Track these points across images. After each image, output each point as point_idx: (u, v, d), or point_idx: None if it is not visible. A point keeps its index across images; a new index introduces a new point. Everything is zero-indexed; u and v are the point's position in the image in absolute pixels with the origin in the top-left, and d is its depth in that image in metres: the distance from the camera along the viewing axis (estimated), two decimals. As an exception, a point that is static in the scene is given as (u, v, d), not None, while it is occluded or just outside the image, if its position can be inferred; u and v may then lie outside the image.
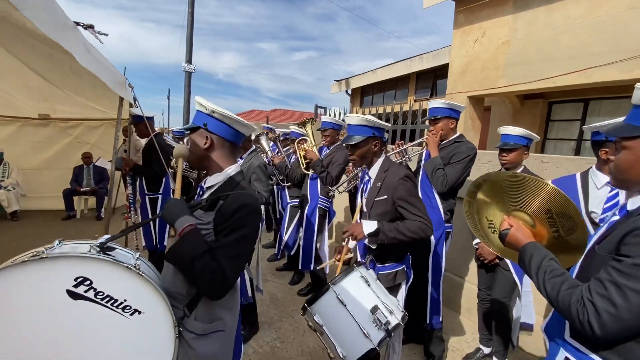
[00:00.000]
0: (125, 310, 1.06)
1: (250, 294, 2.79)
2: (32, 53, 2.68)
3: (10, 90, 4.53)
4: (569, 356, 0.98)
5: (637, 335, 0.85)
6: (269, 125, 5.31)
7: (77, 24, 1.42)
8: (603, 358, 0.90)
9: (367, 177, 1.98)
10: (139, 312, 1.08)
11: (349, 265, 1.83)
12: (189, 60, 9.25)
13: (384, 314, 1.55)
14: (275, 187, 4.57)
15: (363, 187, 2.02)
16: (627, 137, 0.95)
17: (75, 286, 1.02)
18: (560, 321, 1.04)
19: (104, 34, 1.74)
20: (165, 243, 3.74)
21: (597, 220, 1.91)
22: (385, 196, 1.82)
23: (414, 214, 1.74)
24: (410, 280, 2.04)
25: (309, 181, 3.51)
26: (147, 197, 3.58)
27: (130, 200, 3.74)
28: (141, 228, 3.68)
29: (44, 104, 5.12)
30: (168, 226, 3.67)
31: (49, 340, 1.01)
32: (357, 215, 2.01)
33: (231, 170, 1.30)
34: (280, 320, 3.10)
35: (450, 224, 2.52)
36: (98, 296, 1.03)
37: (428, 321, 2.47)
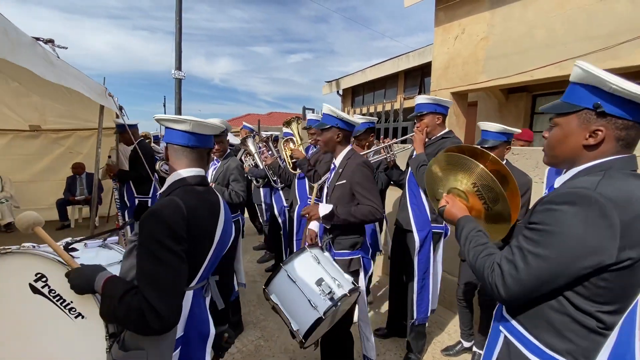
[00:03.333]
0: (71, 312, 1.13)
1: (237, 287, 2.85)
2: (14, 67, 2.75)
3: (-1, 103, 4.60)
4: (506, 333, 1.02)
5: (544, 299, 0.90)
6: (249, 126, 5.32)
7: (37, 39, 1.48)
8: (527, 330, 0.95)
9: (333, 166, 2.13)
10: (82, 317, 1.13)
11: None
12: (179, 67, 9.33)
13: (328, 285, 1.66)
14: (262, 189, 4.61)
15: (329, 174, 2.17)
16: (558, 114, 0.97)
17: (35, 281, 1.12)
18: None
19: (64, 47, 1.80)
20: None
21: None
22: (344, 181, 1.96)
23: (366, 198, 1.89)
24: (370, 271, 2.14)
25: (296, 181, 3.52)
26: (136, 200, 3.65)
27: (118, 206, 3.81)
28: (129, 231, 3.74)
29: (35, 115, 5.18)
30: None
31: (6, 326, 1.12)
32: (314, 197, 2.20)
33: (184, 172, 1.15)
34: (266, 319, 3.16)
35: (442, 225, 2.49)
36: (51, 293, 1.12)
37: (415, 317, 2.49)
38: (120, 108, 3.56)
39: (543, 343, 0.91)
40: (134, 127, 3.51)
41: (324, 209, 1.91)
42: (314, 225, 2.14)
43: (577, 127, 0.93)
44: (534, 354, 0.92)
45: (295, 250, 3.50)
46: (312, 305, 1.61)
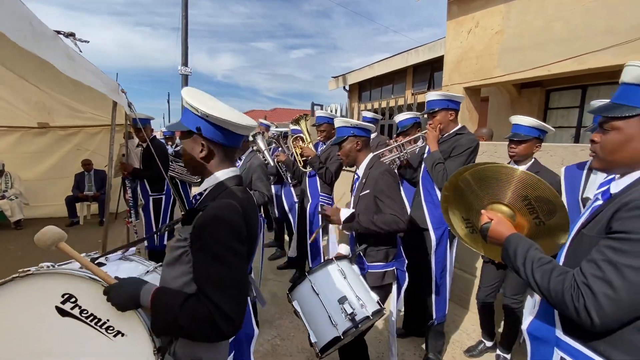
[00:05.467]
0: (109, 331, 1.03)
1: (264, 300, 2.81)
2: (27, 62, 2.71)
3: (8, 99, 4.57)
4: (565, 356, 0.91)
5: (634, 320, 0.79)
6: (265, 122, 5.27)
7: (58, 32, 1.43)
8: (600, 353, 0.84)
9: (356, 176, 2.07)
10: (122, 334, 1.03)
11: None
12: (185, 63, 9.27)
13: (350, 305, 1.61)
14: (272, 186, 4.57)
15: (352, 185, 2.11)
16: (616, 117, 0.90)
17: (63, 302, 1.02)
18: (549, 319, 0.98)
19: (85, 41, 1.75)
20: (165, 242, 3.77)
21: None
22: (368, 190, 1.92)
23: (389, 207, 1.84)
24: (405, 284, 2.06)
25: (307, 179, 3.49)
26: (151, 198, 3.63)
27: (131, 204, 3.78)
28: (143, 228, 3.72)
29: (43, 112, 5.16)
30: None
31: (39, 355, 1.02)
32: (337, 203, 2.09)
33: (221, 174, 1.13)
34: (281, 318, 3.13)
35: None
36: (83, 314, 1.02)
37: (435, 317, 2.45)
38: (129, 105, 3.52)
39: None
40: (147, 122, 3.48)
41: (345, 213, 1.87)
42: (343, 249, 2.05)
43: (639, 131, 0.87)
44: None
45: (308, 253, 3.50)
46: (332, 322, 1.57)
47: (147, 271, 1.27)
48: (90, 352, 1.04)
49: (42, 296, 1.02)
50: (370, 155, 2.04)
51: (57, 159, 6.19)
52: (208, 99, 1.13)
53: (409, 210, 3.16)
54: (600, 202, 0.97)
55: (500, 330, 2.56)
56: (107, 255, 1.28)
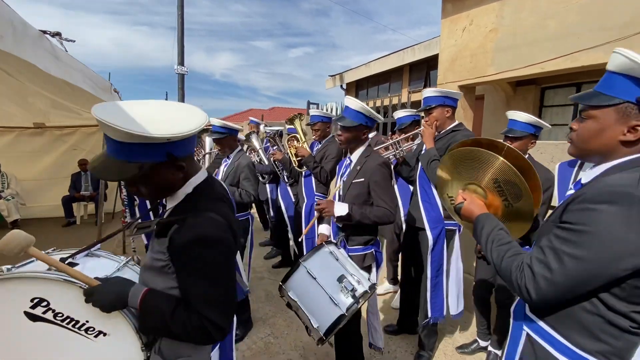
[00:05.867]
0: (89, 332, 0.99)
1: (247, 287, 2.81)
2: (19, 62, 2.70)
3: (3, 99, 4.58)
4: (530, 332, 0.99)
5: (577, 301, 0.86)
6: (255, 120, 5.23)
7: (44, 32, 1.43)
8: (551, 326, 0.92)
9: (348, 161, 2.10)
10: (104, 334, 1.00)
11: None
12: (181, 62, 9.27)
13: (350, 282, 1.67)
14: (267, 185, 4.58)
15: (343, 170, 2.14)
16: (593, 106, 0.91)
17: (33, 307, 0.96)
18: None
19: (71, 40, 1.75)
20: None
21: None
22: (363, 179, 1.95)
23: (382, 200, 1.90)
24: (381, 264, 2.15)
25: (303, 179, 3.48)
26: None
27: (126, 203, 3.78)
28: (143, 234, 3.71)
29: (39, 112, 5.16)
30: None
31: None
32: (332, 193, 2.15)
33: (193, 180, 1.05)
34: (275, 316, 3.14)
35: (454, 221, 2.42)
36: (57, 317, 0.97)
37: (429, 315, 2.44)
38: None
39: (573, 343, 0.88)
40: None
41: (340, 209, 1.91)
42: (324, 229, 2.16)
43: (615, 121, 0.88)
44: (563, 354, 0.90)
45: (304, 248, 3.50)
46: (334, 302, 1.61)
47: (118, 268, 1.22)
48: (71, 356, 1.00)
49: (8, 302, 0.96)
50: (367, 144, 2.08)
51: (54, 159, 6.20)
52: (147, 114, 0.92)
53: (400, 205, 3.18)
54: (572, 191, 1.00)
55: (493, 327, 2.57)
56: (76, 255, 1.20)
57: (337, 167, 2.29)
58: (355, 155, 2.05)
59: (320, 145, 3.46)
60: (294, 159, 3.51)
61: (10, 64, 2.77)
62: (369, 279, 1.79)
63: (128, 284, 1.00)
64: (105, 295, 0.96)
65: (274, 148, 4.10)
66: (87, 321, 0.99)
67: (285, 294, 1.75)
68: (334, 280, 1.68)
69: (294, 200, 3.84)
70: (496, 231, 1.05)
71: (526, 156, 2.21)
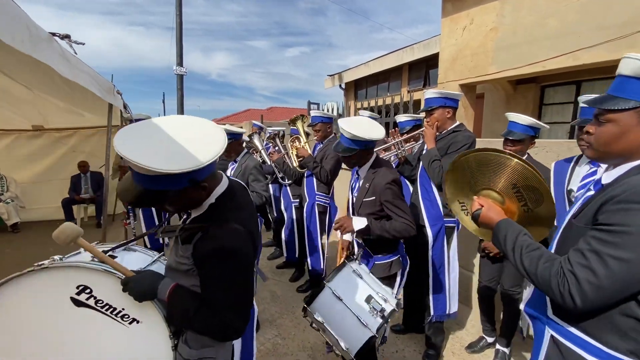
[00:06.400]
0: (124, 319, 1.09)
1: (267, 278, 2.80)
2: (18, 64, 2.68)
3: (1, 103, 4.54)
4: (554, 334, 0.97)
5: (618, 304, 0.85)
6: (258, 123, 5.26)
7: (53, 34, 1.42)
8: (584, 331, 0.91)
9: (356, 175, 2.06)
10: (137, 322, 1.09)
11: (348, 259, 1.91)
12: (180, 63, 9.23)
13: (378, 302, 1.63)
14: (270, 185, 4.57)
15: (352, 184, 2.10)
16: (612, 110, 0.91)
17: (78, 294, 1.07)
18: (541, 299, 1.03)
19: (81, 43, 1.74)
20: (167, 242, 3.76)
21: (573, 199, 1.92)
22: (373, 197, 1.91)
23: (399, 215, 1.85)
24: (407, 268, 2.11)
25: (305, 179, 3.50)
26: None
27: (128, 207, 3.76)
28: (142, 229, 3.70)
29: (37, 115, 5.12)
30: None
31: (55, 344, 1.08)
32: (344, 207, 2.12)
33: (215, 193, 1.10)
34: (281, 317, 3.14)
35: (454, 218, 2.46)
36: (98, 304, 1.07)
37: (432, 313, 2.46)
38: (125, 106, 3.51)
39: (604, 344, 0.87)
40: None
41: (359, 223, 1.86)
42: (347, 236, 2.07)
43: (636, 123, 0.89)
44: (594, 355, 0.89)
45: (307, 249, 3.50)
46: (362, 324, 1.56)
47: (153, 261, 1.35)
48: (106, 339, 1.09)
49: (57, 288, 1.06)
50: (373, 157, 2.00)
51: (53, 161, 6.15)
52: (169, 145, 0.95)
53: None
54: (592, 192, 0.99)
55: (500, 325, 2.58)
56: (115, 249, 1.34)
57: (350, 180, 2.20)
58: (363, 171, 2.00)
59: (322, 145, 3.47)
60: (295, 159, 3.52)
61: (7, 69, 2.75)
62: (393, 295, 1.76)
63: (159, 277, 1.09)
64: (139, 286, 1.05)
65: (275, 149, 4.11)
66: (123, 309, 1.08)
67: (311, 315, 1.69)
68: (361, 301, 1.63)
69: (292, 199, 3.86)
70: (522, 237, 1.02)
71: (525, 156, 2.24)
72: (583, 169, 1.92)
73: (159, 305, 1.09)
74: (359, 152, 1.91)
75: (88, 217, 6.35)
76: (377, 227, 1.85)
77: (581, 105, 1.96)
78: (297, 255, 3.89)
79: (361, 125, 1.89)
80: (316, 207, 3.40)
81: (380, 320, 1.59)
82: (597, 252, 0.83)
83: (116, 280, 1.07)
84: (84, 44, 1.76)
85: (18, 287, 1.04)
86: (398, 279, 2.04)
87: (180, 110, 9.82)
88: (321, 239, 3.47)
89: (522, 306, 1.13)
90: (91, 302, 1.07)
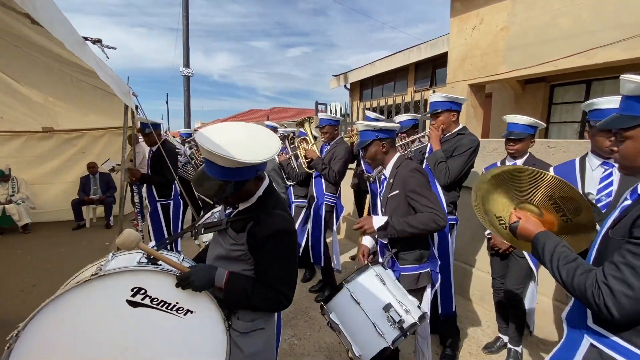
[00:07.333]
0: (179, 312, 1.19)
1: None
2: (32, 67, 2.70)
3: (13, 104, 4.57)
4: (594, 342, 0.98)
5: None
6: (272, 124, 5.28)
7: (85, 39, 1.43)
8: (627, 340, 0.91)
9: (383, 177, 2.01)
10: (191, 312, 1.20)
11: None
12: (187, 64, 9.26)
13: (397, 312, 1.53)
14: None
15: (380, 186, 2.05)
16: (627, 128, 0.96)
17: (133, 295, 1.14)
18: (581, 308, 1.05)
19: (113, 48, 1.75)
20: (179, 248, 3.78)
21: (593, 201, 1.92)
22: (397, 191, 1.84)
23: (424, 205, 1.74)
24: (437, 284, 1.99)
25: (313, 180, 3.52)
26: (158, 204, 3.62)
27: (137, 208, 3.78)
28: (152, 235, 3.72)
29: (47, 116, 5.16)
30: (180, 230, 3.71)
31: (119, 346, 1.14)
32: (366, 211, 2.06)
33: (262, 185, 1.31)
34: (296, 317, 3.14)
35: (454, 216, 2.54)
36: (154, 302, 1.16)
37: (440, 311, 2.49)
38: (137, 107, 3.52)
39: None
40: (157, 126, 3.47)
41: (378, 220, 1.76)
42: (366, 241, 2.00)
43: None
44: None
45: (311, 249, 3.51)
46: (378, 332, 1.48)
47: (182, 260, 1.43)
48: (166, 333, 1.17)
49: (112, 294, 1.12)
50: (397, 154, 1.95)
51: (62, 163, 6.20)
52: (241, 142, 1.19)
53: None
54: (629, 201, 1.02)
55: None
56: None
57: (374, 184, 2.13)
58: (387, 170, 1.94)
59: (329, 147, 3.51)
60: (304, 160, 3.55)
61: (17, 73, 2.76)
62: (419, 307, 1.64)
63: (213, 268, 1.23)
64: (199, 278, 1.18)
65: (283, 150, 4.14)
66: (177, 302, 1.18)
67: (327, 314, 1.64)
68: (379, 308, 1.54)
69: (293, 200, 3.89)
70: (560, 248, 1.04)
71: (527, 155, 2.30)
72: (597, 171, 1.91)
73: (209, 294, 1.22)
74: (374, 142, 1.89)
75: (97, 218, 6.39)
76: (399, 222, 1.73)
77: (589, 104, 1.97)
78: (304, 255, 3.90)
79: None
80: (324, 206, 3.43)
81: (398, 332, 1.50)
82: (631, 265, 0.85)
83: (169, 278, 1.17)
84: (115, 48, 1.77)
85: (76, 297, 1.09)
86: (427, 292, 1.92)
87: (187, 111, 9.85)
88: (326, 237, 3.50)
89: (563, 315, 1.13)
90: (147, 301, 1.15)
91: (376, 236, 1.85)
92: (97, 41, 1.62)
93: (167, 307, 1.17)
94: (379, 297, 1.58)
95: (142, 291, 1.14)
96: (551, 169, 2.11)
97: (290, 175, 3.72)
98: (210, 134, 1.14)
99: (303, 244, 3.81)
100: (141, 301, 1.14)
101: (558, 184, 1.17)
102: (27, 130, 5.64)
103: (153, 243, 1.32)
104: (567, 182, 1.16)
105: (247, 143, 1.17)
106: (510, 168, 1.30)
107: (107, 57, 1.69)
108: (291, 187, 3.96)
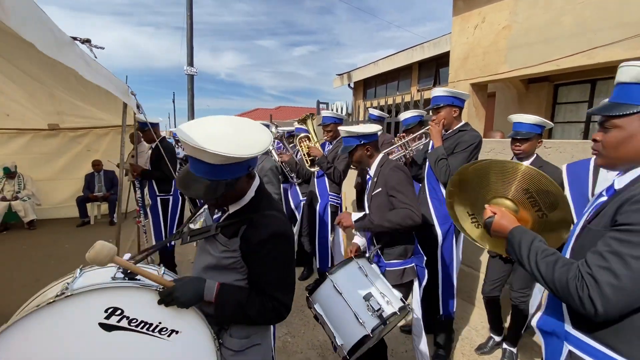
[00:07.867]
0: (163, 333, 1.04)
1: None
2: (37, 64, 2.75)
3: (19, 101, 4.65)
4: (573, 349, 0.93)
5: (638, 310, 0.82)
6: (264, 123, 5.30)
7: (74, 38, 1.46)
8: (608, 346, 0.86)
9: (368, 177, 2.06)
10: (177, 332, 1.05)
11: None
12: (191, 63, 9.33)
13: (377, 301, 1.57)
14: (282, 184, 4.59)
15: (367, 185, 2.09)
16: (616, 116, 0.93)
17: (107, 317, 0.98)
18: (557, 313, 1.00)
19: (101, 48, 1.78)
20: (174, 243, 3.81)
21: None
22: (380, 188, 1.90)
23: (400, 201, 1.79)
24: (424, 280, 2.03)
25: (315, 179, 3.50)
26: (158, 198, 3.67)
27: (140, 204, 3.83)
28: (152, 229, 3.77)
29: (53, 114, 5.24)
30: (176, 226, 3.75)
31: None
32: (347, 205, 2.10)
33: (254, 185, 1.18)
34: (291, 315, 3.13)
35: None
36: (132, 324, 1.00)
37: (441, 312, 2.47)
38: (138, 106, 3.56)
39: (627, 357, 0.83)
40: (155, 125, 3.52)
41: (356, 216, 1.86)
42: (357, 240, 2.07)
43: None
44: None
45: (317, 249, 3.52)
46: (359, 321, 1.52)
47: (164, 273, 1.25)
48: (146, 356, 1.02)
49: (81, 317, 0.97)
50: (380, 155, 2.01)
51: (68, 160, 6.29)
52: (229, 136, 1.02)
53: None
54: (604, 197, 0.99)
55: (507, 324, 2.57)
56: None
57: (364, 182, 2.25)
58: (372, 169, 2.01)
59: (331, 146, 3.48)
60: (306, 157, 3.52)
61: (39, 66, 2.82)
62: (401, 300, 1.68)
63: (201, 280, 1.09)
64: (185, 292, 1.04)
65: (283, 149, 4.13)
66: (159, 322, 1.03)
67: (312, 306, 1.69)
68: (360, 298, 1.58)
69: (302, 198, 3.86)
70: (537, 243, 1.00)
71: (534, 156, 2.24)
72: (612, 172, 1.88)
73: (197, 310, 1.08)
74: (358, 147, 1.94)
75: (101, 215, 6.48)
76: (376, 217, 1.80)
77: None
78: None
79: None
80: (329, 207, 3.40)
81: (378, 321, 1.52)
82: (617, 252, 0.81)
83: (150, 294, 1.02)
84: (103, 48, 1.80)
85: (36, 324, 0.92)
86: (415, 288, 1.96)
87: (191, 110, 9.93)
88: (330, 237, 3.48)
89: (533, 322, 1.09)
90: (124, 323, 0.99)
91: (353, 231, 1.95)
92: (86, 41, 1.65)
93: (148, 329, 1.01)
94: (361, 287, 1.63)
95: (118, 312, 0.98)
96: (564, 166, 2.07)
97: (300, 174, 3.68)
98: (192, 128, 0.98)
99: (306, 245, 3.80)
100: (117, 323, 0.98)
101: (536, 176, 1.12)
102: (33, 128, 5.74)
103: (128, 255, 1.22)
104: (544, 174, 1.12)
105: (235, 136, 1.02)
106: (482, 162, 1.23)
107: (95, 57, 1.71)
108: (297, 187, 3.95)
